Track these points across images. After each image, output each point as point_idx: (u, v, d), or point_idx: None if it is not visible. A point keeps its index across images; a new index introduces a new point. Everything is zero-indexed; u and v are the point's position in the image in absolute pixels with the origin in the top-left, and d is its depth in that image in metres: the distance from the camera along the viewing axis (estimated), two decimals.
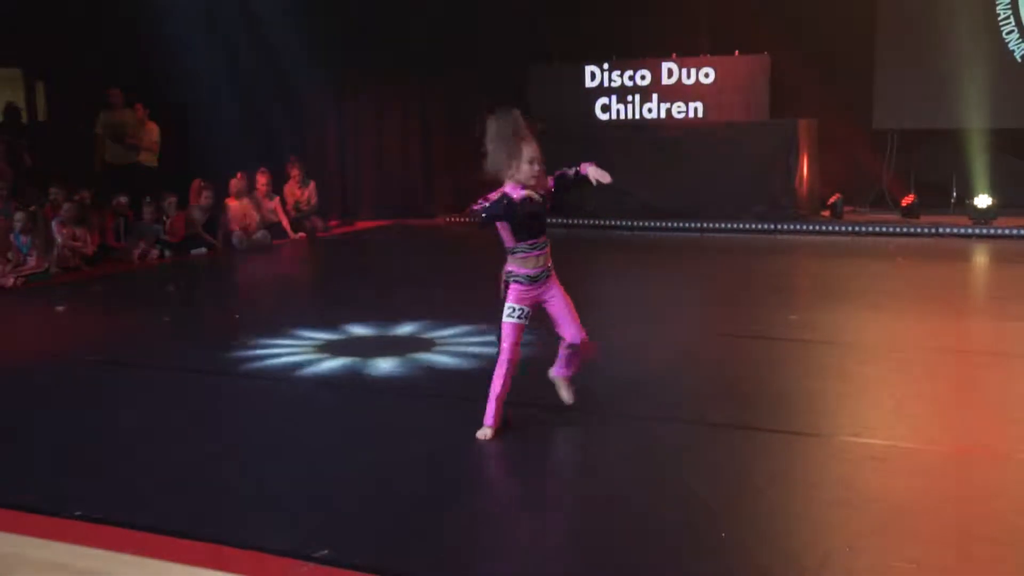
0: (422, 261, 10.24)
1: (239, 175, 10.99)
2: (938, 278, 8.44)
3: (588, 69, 12.68)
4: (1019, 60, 10.91)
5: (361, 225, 12.77)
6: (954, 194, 11.40)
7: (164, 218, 10.29)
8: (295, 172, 11.94)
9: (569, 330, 4.14)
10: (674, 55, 12.32)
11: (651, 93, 12.46)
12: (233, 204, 10.85)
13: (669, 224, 11.49)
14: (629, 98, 12.57)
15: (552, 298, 4.10)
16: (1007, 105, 10.84)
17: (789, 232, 11.09)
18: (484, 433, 4.09)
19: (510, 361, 4.01)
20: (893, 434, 4.11)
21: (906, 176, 11.80)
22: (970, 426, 4.34)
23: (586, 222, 11.48)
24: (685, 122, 12.29)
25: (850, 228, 11.03)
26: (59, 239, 9.13)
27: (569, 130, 12.24)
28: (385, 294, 7.88)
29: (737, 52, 12.08)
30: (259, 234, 10.97)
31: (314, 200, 12.01)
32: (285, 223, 11.48)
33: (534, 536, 3.31)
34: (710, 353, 5.74)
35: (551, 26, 12.74)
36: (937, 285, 8.07)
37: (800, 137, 11.37)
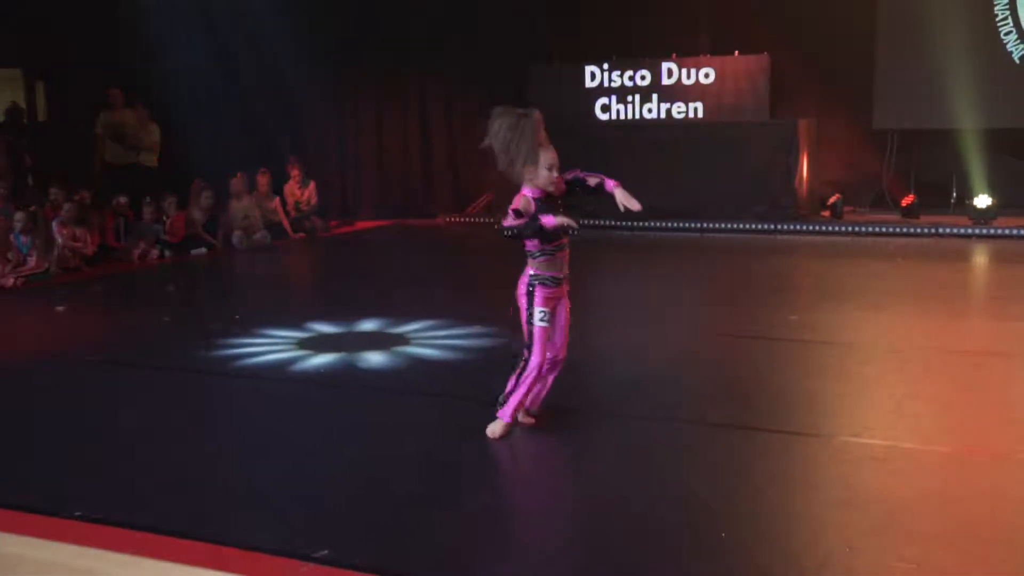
0: (421, 261, 10.24)
1: (239, 175, 10.99)
2: (938, 278, 8.44)
3: (588, 69, 12.68)
4: (1017, 61, 10.92)
5: (361, 225, 12.77)
6: (954, 194, 11.40)
7: (164, 218, 10.29)
8: (295, 172, 11.94)
9: (560, 340, 4.13)
10: (674, 55, 12.32)
11: (651, 93, 12.47)
12: (234, 204, 10.85)
13: (669, 224, 11.50)
14: (629, 98, 12.57)
15: (560, 306, 4.10)
16: (1006, 105, 10.85)
17: (789, 232, 11.09)
18: (496, 430, 4.07)
19: (541, 365, 4.00)
20: (893, 434, 4.11)
21: (906, 176, 11.80)
22: (970, 426, 4.34)
23: (586, 222, 11.45)
24: (685, 122, 12.29)
25: (850, 228, 11.03)
26: (59, 239, 9.13)
27: (569, 130, 12.27)
28: (384, 293, 7.88)
29: (737, 52, 12.08)
30: (259, 234, 10.97)
31: (314, 200, 12.02)
32: (285, 223, 11.49)
33: (534, 536, 3.31)
34: (710, 353, 5.74)
35: (551, 26, 12.74)
36: (937, 285, 8.07)
37: (800, 137, 11.37)
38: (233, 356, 5.73)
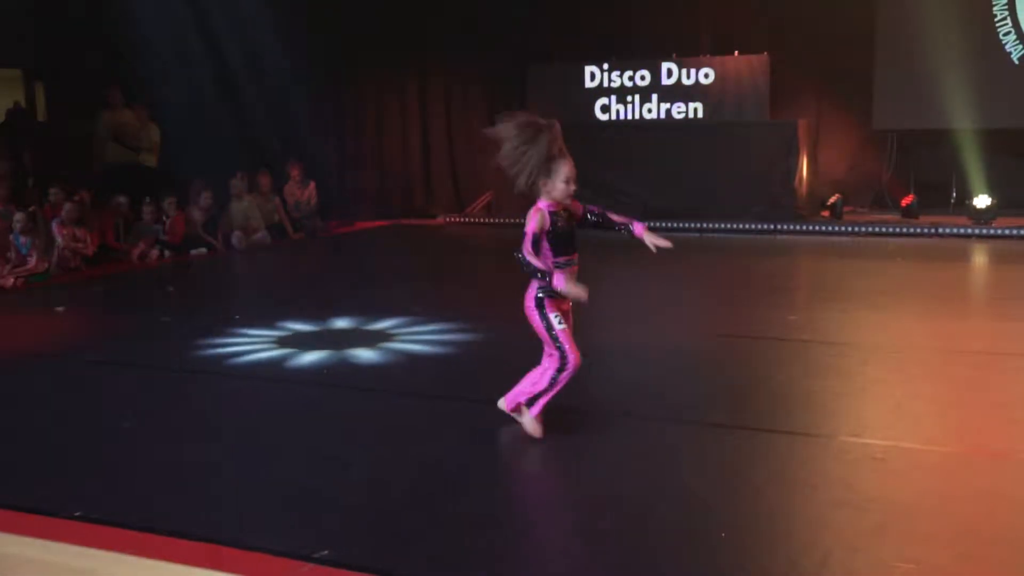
0: (418, 261, 10.25)
1: (239, 175, 11.00)
2: (938, 278, 8.44)
3: (588, 69, 12.69)
4: (1016, 62, 10.93)
5: (361, 225, 12.77)
6: (953, 194, 11.41)
7: (164, 218, 10.30)
8: (295, 173, 11.95)
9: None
10: (674, 55, 12.32)
11: (651, 93, 12.47)
12: (234, 204, 10.86)
13: (669, 224, 11.47)
14: (629, 98, 12.57)
15: (565, 316, 4.09)
16: (1006, 106, 10.86)
17: (789, 232, 11.09)
18: (536, 428, 4.06)
19: (577, 363, 3.99)
20: (893, 434, 4.11)
21: (906, 176, 11.81)
22: (970, 426, 4.34)
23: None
24: (685, 122, 12.30)
25: (850, 228, 11.03)
26: (60, 240, 9.13)
27: (568, 130, 12.27)
28: (382, 292, 7.88)
29: (737, 52, 12.08)
30: (259, 234, 10.98)
31: (314, 200, 12.02)
32: (286, 223, 11.50)
33: (534, 536, 3.31)
34: (710, 353, 5.74)
35: (551, 26, 12.75)
36: (937, 285, 8.07)
37: (800, 137, 11.38)
38: (228, 355, 5.73)
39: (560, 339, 3.99)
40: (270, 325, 6.47)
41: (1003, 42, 10.96)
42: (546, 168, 3.89)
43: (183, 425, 4.55)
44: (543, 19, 12.68)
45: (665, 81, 12.39)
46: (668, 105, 12.40)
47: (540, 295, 4.02)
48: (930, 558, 3.00)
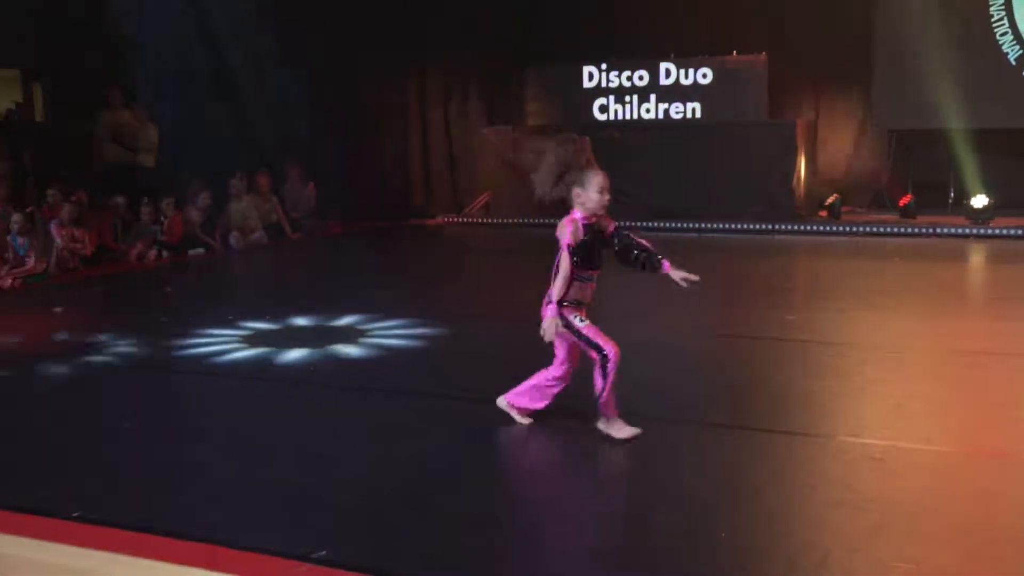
0: (416, 261, 10.24)
1: (238, 176, 11.00)
2: (936, 278, 8.45)
3: (586, 69, 12.69)
4: (1013, 63, 10.94)
5: (359, 226, 12.75)
6: (951, 194, 11.42)
7: (162, 219, 10.29)
8: (294, 173, 11.94)
9: (575, 355, 4.15)
10: (672, 55, 12.32)
11: (649, 93, 12.47)
12: (233, 205, 10.85)
13: (667, 224, 11.50)
14: (627, 98, 12.57)
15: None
16: (1003, 106, 10.89)
17: (787, 232, 11.10)
18: (624, 430, 4.04)
19: (618, 354, 3.99)
20: (892, 434, 4.11)
21: (904, 176, 11.82)
22: (969, 426, 4.35)
23: None
24: (683, 122, 12.30)
25: (848, 228, 11.04)
26: (59, 241, 9.12)
27: (565, 132, 12.25)
28: (380, 292, 7.87)
29: (735, 52, 12.08)
30: (257, 235, 10.97)
31: (313, 201, 12.01)
32: (284, 224, 11.49)
33: (531, 536, 3.30)
34: (708, 353, 5.74)
35: (549, 26, 12.75)
36: (935, 285, 8.07)
37: (798, 137, 11.38)
38: (220, 354, 5.73)
39: (589, 336, 3.98)
40: (263, 324, 6.46)
41: (1000, 43, 10.98)
42: (584, 179, 3.87)
43: (179, 425, 4.55)
44: (541, 19, 12.69)
45: (663, 81, 12.39)
46: (666, 105, 12.40)
47: (560, 307, 4.00)
48: (929, 558, 3.00)
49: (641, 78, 12.48)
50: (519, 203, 12.57)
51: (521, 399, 4.26)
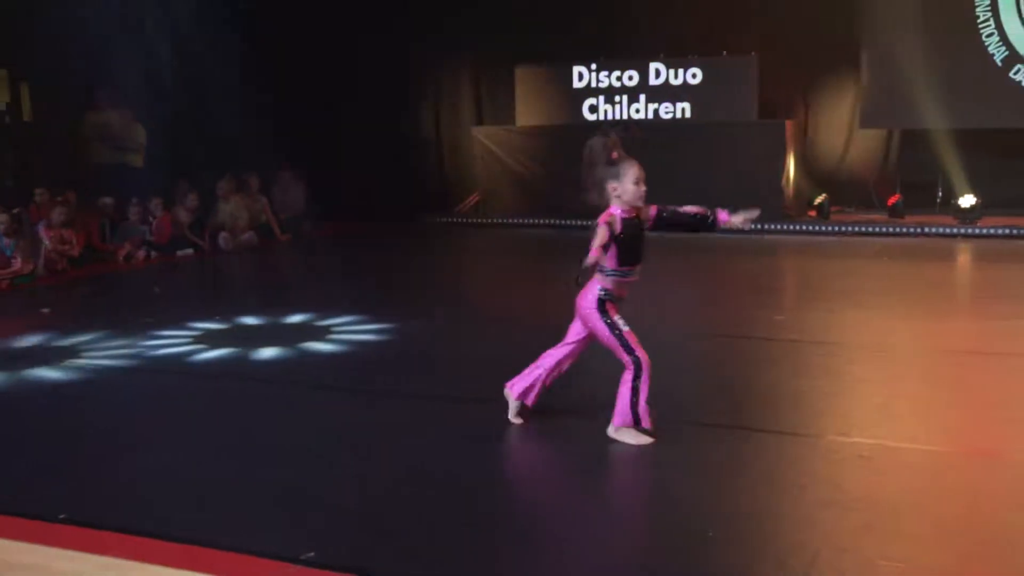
0: (407, 262, 10.23)
1: (228, 176, 10.96)
2: (924, 278, 8.49)
3: (576, 69, 12.68)
4: (999, 63, 11.00)
5: (349, 227, 12.72)
6: (939, 194, 11.47)
7: (150, 219, 10.25)
8: (284, 174, 11.90)
9: (582, 344, 4.14)
10: (662, 55, 12.34)
11: (639, 94, 12.47)
12: (222, 206, 10.82)
13: None
14: (617, 99, 12.57)
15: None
16: (990, 106, 10.94)
17: (776, 232, 11.12)
18: (643, 437, 4.01)
19: (648, 362, 3.99)
20: (880, 433, 4.13)
21: (892, 176, 11.86)
22: (956, 425, 4.37)
23: (572, 223, 11.50)
24: (673, 123, 12.31)
25: (836, 228, 11.07)
26: (47, 242, 9.07)
27: (556, 131, 12.28)
28: (370, 293, 7.87)
29: (725, 52, 12.10)
30: (246, 235, 10.94)
31: (303, 202, 11.98)
32: (274, 224, 11.46)
33: (521, 537, 3.30)
34: (697, 353, 5.75)
35: (539, 26, 12.74)
36: (923, 285, 8.11)
37: (787, 137, 11.41)
38: (214, 355, 5.72)
39: (629, 341, 3.98)
40: (248, 323, 6.44)
41: (987, 44, 11.04)
42: (618, 173, 3.87)
43: (167, 426, 4.53)
44: (531, 19, 12.68)
45: (653, 81, 12.39)
46: (656, 105, 12.40)
47: (602, 297, 4.00)
48: (917, 557, 3.02)
49: (631, 78, 12.48)
50: (509, 203, 12.58)
51: (521, 382, 4.22)
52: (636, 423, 4.02)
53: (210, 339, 6.17)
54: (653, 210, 4.05)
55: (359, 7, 12.47)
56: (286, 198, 11.89)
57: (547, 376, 4.20)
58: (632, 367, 3.97)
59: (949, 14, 11.07)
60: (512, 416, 4.26)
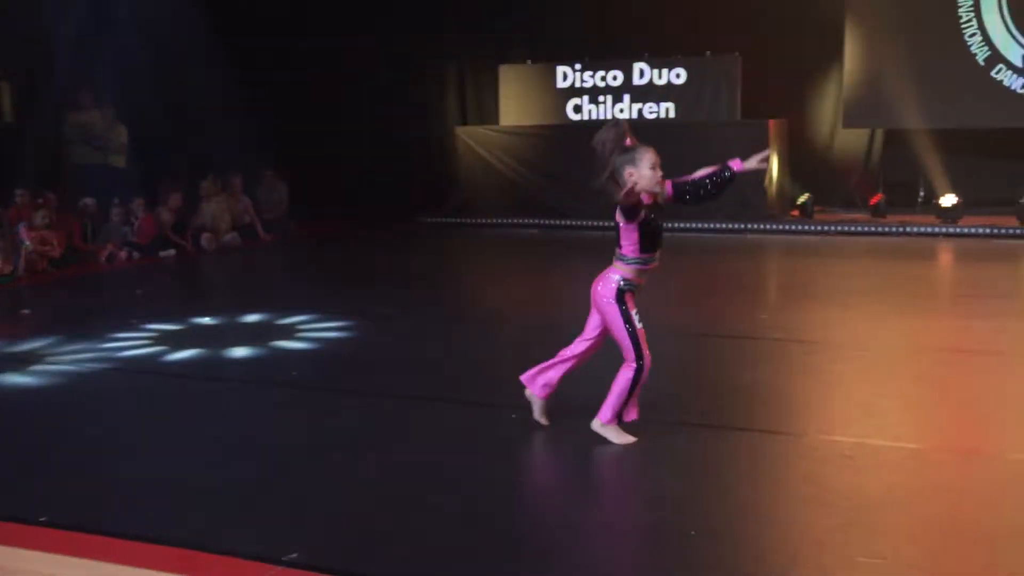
0: (397, 262, 10.21)
1: (210, 177, 10.91)
2: (905, 276, 8.54)
3: (560, 69, 12.69)
4: (981, 63, 11.09)
5: (334, 228, 12.69)
6: (921, 193, 11.55)
7: (132, 220, 10.18)
8: (268, 175, 11.86)
9: (598, 340, 4.13)
10: (646, 55, 12.36)
11: (623, 93, 12.50)
12: (204, 206, 10.77)
13: None
14: (601, 98, 12.59)
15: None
16: (972, 106, 11.03)
17: (759, 232, 11.17)
18: (627, 436, 4.00)
19: (649, 368, 3.98)
20: (862, 431, 4.15)
21: (874, 176, 11.94)
22: (938, 423, 4.40)
23: (554, 222, 11.51)
24: (657, 122, 12.33)
25: (819, 227, 11.13)
26: (28, 244, 9.00)
27: (540, 131, 12.29)
28: (335, 291, 7.86)
29: (708, 52, 12.14)
30: (229, 236, 10.90)
31: (286, 203, 11.94)
32: (257, 225, 11.42)
33: (504, 536, 3.30)
34: (680, 352, 5.76)
35: (523, 26, 12.75)
36: (904, 284, 8.16)
37: (770, 137, 11.46)
38: (203, 356, 5.69)
39: (639, 339, 3.96)
40: (233, 324, 6.42)
41: (968, 44, 11.12)
42: (634, 159, 3.84)
43: (148, 427, 4.50)
44: (515, 19, 12.68)
45: (637, 81, 12.41)
46: (640, 105, 12.43)
47: (622, 287, 3.97)
48: (898, 553, 3.03)
49: (615, 78, 12.50)
50: (494, 203, 12.57)
51: (540, 377, 4.19)
52: (620, 420, 4.03)
53: (188, 339, 6.13)
54: (668, 185, 4.00)
55: (343, 7, 12.44)
56: (270, 198, 11.84)
57: (568, 371, 4.15)
58: (635, 366, 3.96)
59: (931, 14, 11.14)
60: (537, 415, 4.20)
